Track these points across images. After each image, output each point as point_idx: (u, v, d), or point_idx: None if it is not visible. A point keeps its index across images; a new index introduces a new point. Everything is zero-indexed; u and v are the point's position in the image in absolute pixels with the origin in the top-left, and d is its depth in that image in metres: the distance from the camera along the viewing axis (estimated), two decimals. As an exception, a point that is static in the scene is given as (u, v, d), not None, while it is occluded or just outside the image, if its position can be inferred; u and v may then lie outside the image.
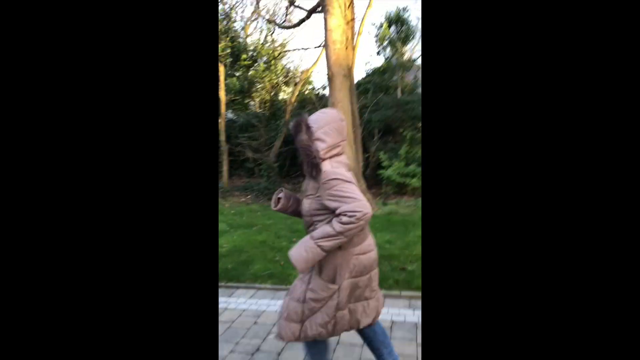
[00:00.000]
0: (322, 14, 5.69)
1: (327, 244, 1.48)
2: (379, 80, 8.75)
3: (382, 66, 9.25)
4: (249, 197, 7.28)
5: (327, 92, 6.84)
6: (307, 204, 1.61)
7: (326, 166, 1.54)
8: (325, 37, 5.40)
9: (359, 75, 9.82)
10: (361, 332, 1.76)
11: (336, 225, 1.45)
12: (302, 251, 1.51)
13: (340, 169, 1.54)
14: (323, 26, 5.44)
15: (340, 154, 1.63)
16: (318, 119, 1.59)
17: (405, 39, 8.94)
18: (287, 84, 9.92)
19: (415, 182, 6.44)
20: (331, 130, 1.59)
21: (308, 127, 1.56)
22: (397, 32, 9.22)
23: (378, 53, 10.21)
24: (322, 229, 1.50)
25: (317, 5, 5.96)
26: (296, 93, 8.51)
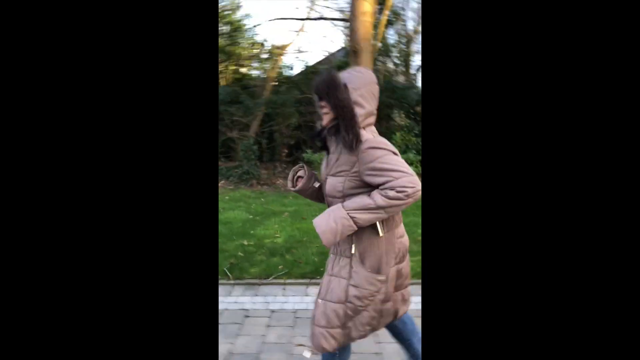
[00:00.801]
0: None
1: (364, 217, 1.23)
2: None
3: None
4: (223, 182, 6.53)
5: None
6: (338, 183, 1.30)
7: (367, 135, 1.27)
8: (353, 8, 4.93)
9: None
10: (391, 324, 1.52)
11: (378, 198, 1.21)
12: (330, 221, 1.25)
13: (383, 139, 1.30)
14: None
15: (372, 124, 1.36)
16: (354, 79, 1.30)
17: (389, 24, 8.76)
18: (255, 58, 9.09)
19: (414, 170, 6.36)
20: (368, 93, 1.31)
21: (345, 86, 1.27)
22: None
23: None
24: (359, 199, 1.25)
25: None
26: (275, 68, 7.82)
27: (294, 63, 9.21)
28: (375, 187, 1.24)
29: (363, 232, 1.29)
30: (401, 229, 1.41)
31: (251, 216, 4.42)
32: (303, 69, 8.82)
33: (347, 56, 5.13)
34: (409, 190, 1.19)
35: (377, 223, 1.28)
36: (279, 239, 3.62)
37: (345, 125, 1.24)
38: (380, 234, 1.31)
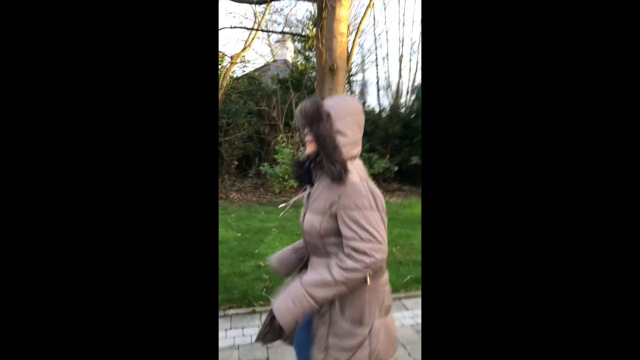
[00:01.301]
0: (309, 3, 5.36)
1: (323, 294, 1.12)
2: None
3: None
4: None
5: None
6: (315, 221, 1.19)
7: (354, 177, 1.15)
8: (330, 27, 5.10)
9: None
10: None
11: (336, 273, 1.11)
12: (288, 303, 1.14)
13: (368, 184, 1.17)
14: (317, 14, 5.15)
15: (357, 156, 1.25)
16: (337, 106, 1.20)
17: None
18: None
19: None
20: (352, 122, 1.21)
21: (328, 115, 1.18)
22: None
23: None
24: (318, 273, 1.15)
25: None
26: (226, 77, 7.57)
27: (240, 73, 8.99)
28: (332, 233, 1.17)
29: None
30: (386, 275, 1.27)
31: (239, 234, 4.25)
32: (248, 80, 8.73)
33: (290, 69, 5.27)
34: (367, 260, 1.09)
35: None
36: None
37: (328, 157, 1.15)
38: (368, 282, 1.18)
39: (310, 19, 8.90)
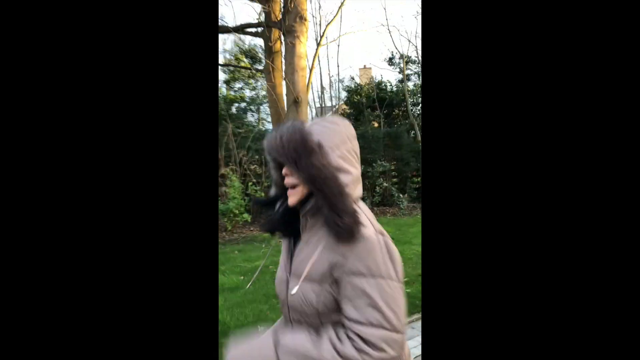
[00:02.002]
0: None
1: None
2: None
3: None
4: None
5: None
6: (309, 293, 0.87)
7: (368, 230, 0.85)
8: (291, 62, 5.28)
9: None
10: None
11: (328, 352, 0.81)
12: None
13: (385, 239, 0.86)
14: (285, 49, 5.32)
15: (361, 196, 0.95)
16: (329, 134, 0.90)
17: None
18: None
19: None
20: (349, 152, 0.92)
21: (320, 146, 0.87)
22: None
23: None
24: (302, 340, 0.85)
25: (280, 27, 5.62)
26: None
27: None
28: (334, 309, 0.86)
29: None
30: (406, 351, 0.93)
31: (242, 277, 4.00)
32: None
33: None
34: (376, 355, 0.79)
35: None
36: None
37: (332, 206, 0.83)
38: None
39: (241, 52, 8.92)
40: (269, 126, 9.74)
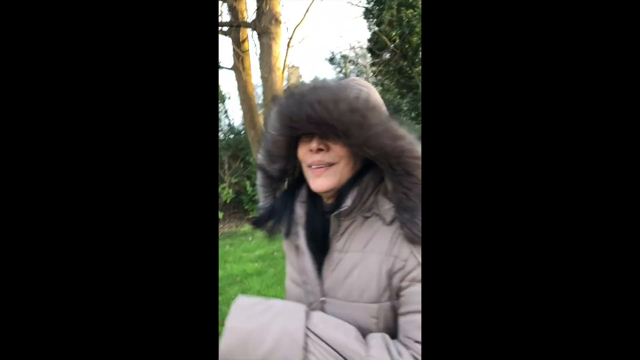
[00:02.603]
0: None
1: (319, 354, 0.63)
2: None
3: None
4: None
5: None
6: (365, 316, 0.70)
7: None
8: (267, 62, 5.54)
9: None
10: None
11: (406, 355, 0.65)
12: (271, 330, 0.64)
13: None
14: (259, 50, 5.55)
15: None
16: (374, 95, 0.77)
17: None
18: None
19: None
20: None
21: (378, 108, 0.69)
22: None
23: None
24: (346, 328, 0.66)
25: (255, 28, 5.71)
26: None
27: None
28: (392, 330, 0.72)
29: None
30: None
31: (255, 263, 4.20)
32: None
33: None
34: None
35: None
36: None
37: (407, 190, 0.67)
38: None
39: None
40: (235, 123, 9.74)
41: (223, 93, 8.79)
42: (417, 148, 0.67)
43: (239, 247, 5.41)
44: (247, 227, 6.66)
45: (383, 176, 0.70)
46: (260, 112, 7.15)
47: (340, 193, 0.72)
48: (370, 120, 0.65)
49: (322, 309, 0.71)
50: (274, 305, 0.67)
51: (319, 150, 0.70)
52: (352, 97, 0.65)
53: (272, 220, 0.80)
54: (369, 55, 12.20)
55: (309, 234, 0.76)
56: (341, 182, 0.71)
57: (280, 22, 5.59)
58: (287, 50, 6.75)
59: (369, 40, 10.90)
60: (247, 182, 7.22)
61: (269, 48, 5.50)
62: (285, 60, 6.41)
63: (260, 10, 5.50)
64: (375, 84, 11.37)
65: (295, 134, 0.73)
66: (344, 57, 13.65)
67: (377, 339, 0.65)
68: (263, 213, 0.82)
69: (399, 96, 10.79)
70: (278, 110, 0.73)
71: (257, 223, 0.83)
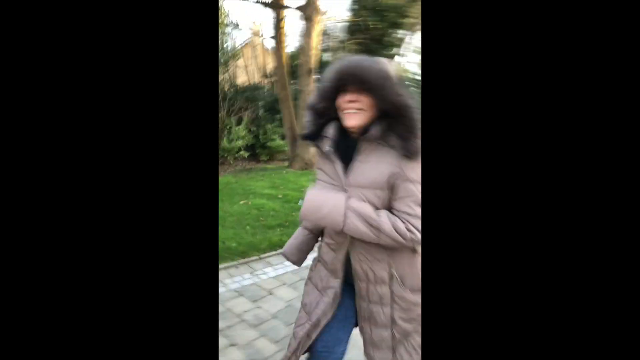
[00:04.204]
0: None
1: (357, 226, 1.07)
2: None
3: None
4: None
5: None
6: (372, 197, 1.10)
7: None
8: (309, 42, 7.34)
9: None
10: None
11: (385, 221, 1.06)
12: (320, 201, 1.10)
13: None
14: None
15: None
16: (392, 70, 1.09)
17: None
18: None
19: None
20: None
21: (400, 81, 1.07)
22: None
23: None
24: (369, 207, 1.08)
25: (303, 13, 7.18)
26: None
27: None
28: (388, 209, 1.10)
29: (402, 253, 1.14)
30: None
31: (281, 194, 6.06)
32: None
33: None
34: (414, 236, 1.06)
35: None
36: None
37: (409, 129, 1.04)
38: (419, 251, 1.15)
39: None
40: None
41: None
42: (412, 102, 1.06)
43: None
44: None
45: (389, 122, 1.07)
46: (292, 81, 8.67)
47: (361, 129, 1.11)
48: (389, 81, 1.04)
49: (353, 189, 1.12)
50: (329, 190, 1.14)
51: (352, 101, 1.08)
52: (382, 67, 1.06)
53: (316, 139, 1.20)
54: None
55: (341, 150, 1.16)
56: (364, 123, 1.10)
57: (319, 13, 7.36)
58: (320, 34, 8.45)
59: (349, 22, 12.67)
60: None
61: (307, 31, 7.29)
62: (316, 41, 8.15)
63: (307, 2, 7.21)
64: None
65: (341, 85, 1.09)
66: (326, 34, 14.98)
67: (383, 212, 1.09)
68: (310, 133, 1.21)
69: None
70: (334, 68, 1.09)
71: (306, 137, 1.22)
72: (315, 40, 7.42)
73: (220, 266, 3.00)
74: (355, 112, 1.09)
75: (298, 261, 1.41)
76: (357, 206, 1.07)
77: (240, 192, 5.65)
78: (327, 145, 1.16)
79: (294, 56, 9.72)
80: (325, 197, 1.09)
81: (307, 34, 7.32)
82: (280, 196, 5.44)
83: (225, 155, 8.34)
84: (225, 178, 6.85)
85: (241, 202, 4.96)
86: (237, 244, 3.41)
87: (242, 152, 8.37)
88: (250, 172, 7.78)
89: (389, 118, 1.07)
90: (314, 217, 1.09)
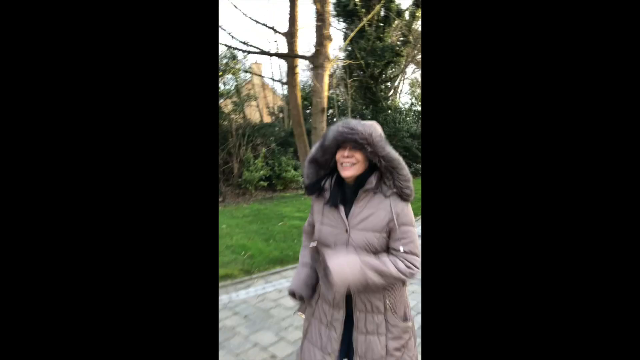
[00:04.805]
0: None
1: (373, 278, 1.25)
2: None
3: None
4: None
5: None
6: (374, 239, 1.31)
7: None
8: (321, 86, 8.47)
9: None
10: None
11: (391, 267, 1.26)
12: (345, 267, 1.22)
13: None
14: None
15: None
16: (379, 130, 1.35)
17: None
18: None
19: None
20: None
21: (382, 135, 1.33)
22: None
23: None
24: (378, 260, 1.27)
25: (314, 62, 8.40)
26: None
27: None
28: (385, 248, 1.32)
29: (394, 285, 1.34)
30: None
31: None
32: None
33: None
34: (415, 271, 1.27)
35: None
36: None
37: (402, 176, 1.30)
38: (406, 285, 1.38)
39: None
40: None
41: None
42: (397, 156, 1.30)
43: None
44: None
45: (382, 174, 1.32)
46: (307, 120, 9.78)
47: (356, 179, 1.35)
48: (381, 141, 1.29)
49: (349, 236, 1.32)
50: (342, 254, 1.26)
51: (348, 156, 1.32)
52: (375, 130, 1.30)
53: (316, 190, 1.42)
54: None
55: (342, 198, 1.38)
56: (358, 173, 1.34)
57: (330, 60, 8.53)
58: (330, 79, 9.65)
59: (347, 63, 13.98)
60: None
61: (320, 76, 8.43)
62: (328, 84, 9.31)
63: (318, 51, 8.38)
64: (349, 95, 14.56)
65: (339, 144, 1.33)
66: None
67: (384, 255, 1.31)
68: (311, 185, 1.42)
69: (364, 106, 14.17)
70: (334, 128, 1.33)
71: (308, 190, 1.45)
72: (326, 83, 8.56)
73: (288, 267, 3.94)
74: (350, 165, 1.31)
75: (307, 297, 1.49)
76: (370, 262, 1.25)
77: (273, 216, 6.58)
78: (328, 194, 1.39)
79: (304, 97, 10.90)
80: (343, 262, 1.22)
81: (319, 79, 8.46)
82: (309, 218, 6.46)
83: (247, 186, 9.31)
84: (253, 205, 7.82)
85: (279, 224, 5.88)
86: (293, 252, 4.35)
87: (261, 182, 9.35)
88: (272, 200, 8.73)
89: (378, 170, 1.33)
90: (345, 282, 1.21)
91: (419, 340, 1.99)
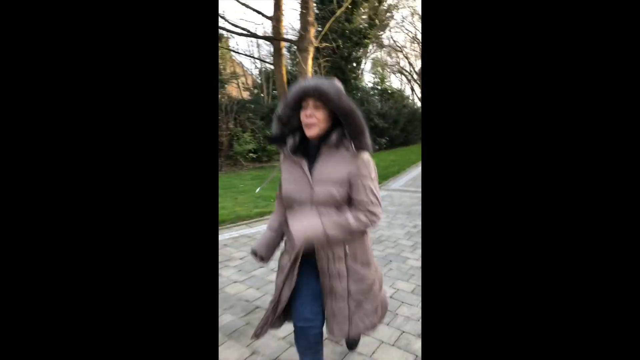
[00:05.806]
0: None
1: (334, 232, 1.36)
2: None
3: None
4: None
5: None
6: (334, 191, 1.38)
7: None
8: (305, 68, 9.52)
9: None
10: None
11: (352, 221, 1.37)
12: (305, 225, 1.34)
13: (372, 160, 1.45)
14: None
15: None
16: (340, 87, 1.38)
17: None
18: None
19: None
20: None
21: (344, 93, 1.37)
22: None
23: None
24: (338, 215, 1.37)
25: (298, 46, 9.22)
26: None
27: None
28: (347, 199, 1.40)
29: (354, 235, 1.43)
30: None
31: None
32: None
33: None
34: (376, 220, 1.39)
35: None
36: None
37: (361, 130, 1.34)
38: (368, 233, 1.52)
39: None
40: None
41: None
42: (357, 109, 1.34)
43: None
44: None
45: (342, 130, 1.39)
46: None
47: (320, 139, 1.41)
48: (338, 93, 1.33)
49: (312, 189, 1.39)
50: (304, 216, 1.35)
51: (309, 116, 1.37)
52: (335, 84, 1.35)
53: (278, 141, 1.47)
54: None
55: (307, 153, 1.45)
56: (320, 132, 1.40)
57: (314, 45, 9.56)
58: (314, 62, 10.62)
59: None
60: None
61: (305, 59, 9.47)
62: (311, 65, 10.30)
63: (302, 36, 9.38)
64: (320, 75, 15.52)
65: (302, 98, 1.37)
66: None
67: (345, 209, 1.39)
68: (276, 137, 1.48)
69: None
70: (298, 85, 1.37)
71: (272, 140, 1.49)
72: (310, 65, 9.62)
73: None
74: (312, 125, 1.38)
75: (266, 257, 1.59)
76: (329, 218, 1.35)
77: (276, 180, 7.73)
78: (290, 148, 1.44)
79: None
80: (303, 221, 1.34)
81: (304, 61, 9.50)
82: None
83: (238, 158, 10.30)
84: (252, 172, 8.86)
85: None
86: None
87: (251, 154, 10.37)
88: (263, 169, 9.81)
89: (340, 127, 1.40)
90: (304, 242, 1.34)
91: (406, 312, 2.27)
